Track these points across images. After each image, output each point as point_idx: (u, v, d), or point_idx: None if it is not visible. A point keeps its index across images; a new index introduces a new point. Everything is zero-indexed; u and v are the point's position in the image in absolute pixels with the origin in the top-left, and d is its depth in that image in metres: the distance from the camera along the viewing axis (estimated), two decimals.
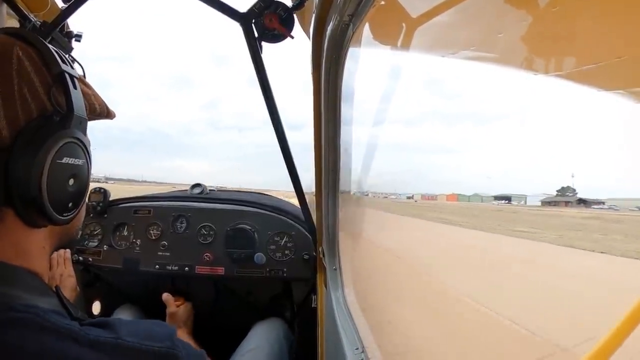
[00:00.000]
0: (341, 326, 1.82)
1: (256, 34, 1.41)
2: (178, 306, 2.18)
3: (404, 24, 1.18)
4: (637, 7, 0.95)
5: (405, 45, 1.31)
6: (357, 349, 1.65)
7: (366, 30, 1.24)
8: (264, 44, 1.46)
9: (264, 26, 1.38)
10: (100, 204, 2.57)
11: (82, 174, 0.86)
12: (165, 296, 2.17)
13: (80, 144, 0.84)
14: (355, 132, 1.84)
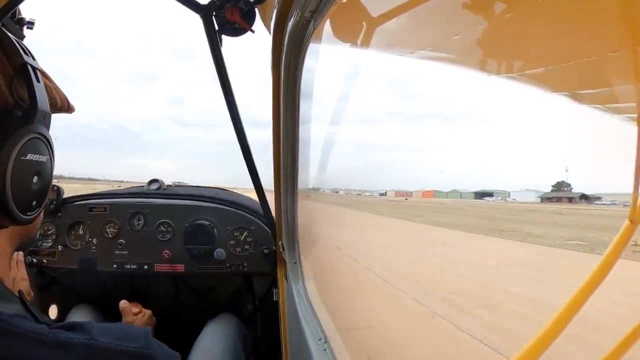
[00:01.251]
0: (303, 318, 1.84)
1: (216, 27, 1.38)
2: (136, 314, 2.08)
3: (364, 23, 1.20)
4: (583, 16, 1.01)
5: (365, 44, 1.33)
6: (320, 339, 1.67)
7: (327, 27, 1.25)
8: (224, 37, 1.43)
9: (224, 19, 1.35)
10: (54, 202, 2.45)
11: (45, 172, 0.82)
12: (123, 305, 2.04)
13: (44, 139, 0.80)
14: (319, 129, 1.86)
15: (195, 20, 1.38)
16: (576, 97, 2.18)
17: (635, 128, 2.04)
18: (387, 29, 1.22)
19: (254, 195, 2.49)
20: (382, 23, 1.18)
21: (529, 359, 2.04)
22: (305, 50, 1.38)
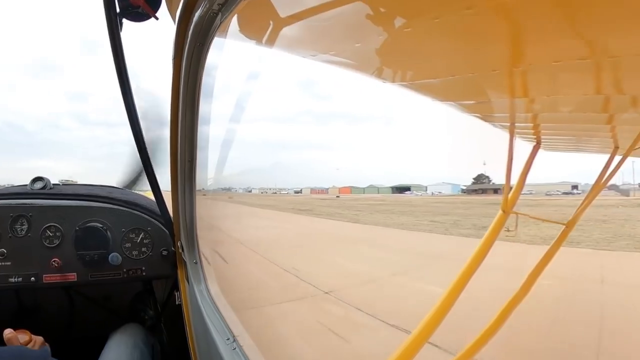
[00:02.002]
0: (209, 319, 1.81)
1: (118, 9, 1.27)
2: (26, 343, 1.76)
3: (271, 22, 1.21)
4: (470, 37, 1.13)
5: (270, 43, 1.35)
6: (228, 339, 1.66)
7: (234, 22, 1.23)
8: (125, 22, 1.32)
9: (127, 1, 1.25)
10: None
11: None
12: (8, 335, 1.70)
13: None
14: (232, 129, 1.83)
15: (99, 5, 1.25)
16: (461, 106, 2.45)
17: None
18: (293, 30, 1.25)
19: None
20: (289, 24, 1.21)
21: (424, 334, 2.28)
22: (210, 43, 1.35)
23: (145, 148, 1.91)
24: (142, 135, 1.84)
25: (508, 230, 3.10)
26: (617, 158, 3.32)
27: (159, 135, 1.98)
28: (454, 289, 2.50)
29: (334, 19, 1.10)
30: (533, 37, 1.24)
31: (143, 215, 2.35)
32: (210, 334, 1.70)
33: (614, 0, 0.91)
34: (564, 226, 3.44)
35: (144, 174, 2.05)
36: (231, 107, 1.91)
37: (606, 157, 3.37)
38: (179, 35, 1.36)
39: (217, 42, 1.34)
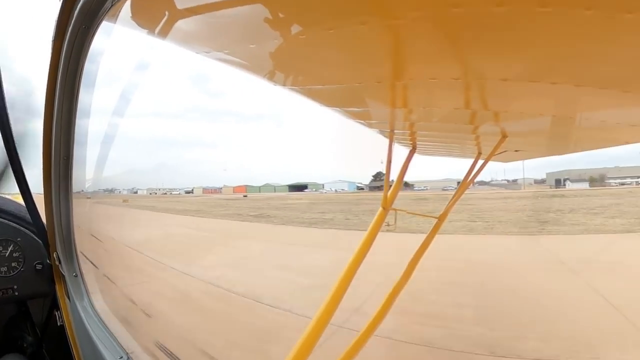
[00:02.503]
0: (97, 338, 1.65)
1: None
2: None
3: (167, 12, 1.17)
4: (359, 50, 1.23)
5: (163, 34, 1.29)
6: (121, 357, 1.54)
7: (126, 8, 1.17)
8: None
9: None
10: None
11: None
12: None
13: None
14: (105, 122, 1.69)
15: None
16: (346, 113, 2.62)
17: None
18: (188, 24, 1.23)
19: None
20: (185, 17, 1.19)
21: (317, 330, 2.37)
22: (97, 27, 1.25)
23: (13, 142, 1.66)
24: (9, 126, 1.61)
25: (388, 225, 3.40)
26: (480, 162, 3.88)
27: (30, 127, 1.76)
28: (341, 284, 2.66)
29: (232, 18, 1.11)
30: (416, 56, 1.41)
31: (10, 223, 2.01)
32: (100, 355, 1.56)
33: (483, 33, 1.10)
34: (437, 219, 3.91)
35: (11, 173, 1.77)
36: (115, 100, 1.77)
37: (471, 161, 3.90)
38: (62, 15, 1.23)
39: (105, 26, 1.25)
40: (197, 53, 1.33)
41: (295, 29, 1.08)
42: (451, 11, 0.99)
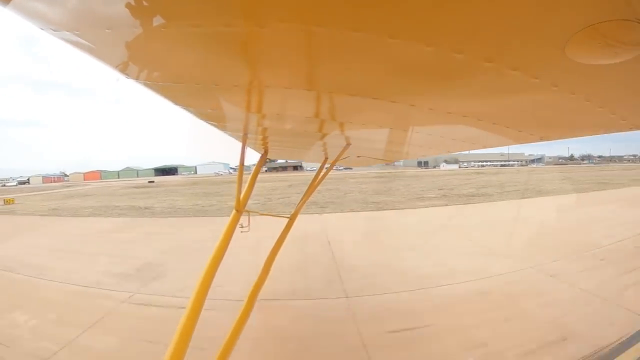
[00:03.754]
0: None
1: None
2: None
3: None
4: (221, 50, 1.23)
5: (5, 1, 1.08)
6: None
7: None
8: None
9: None
10: None
11: None
12: None
13: None
14: None
15: None
16: (199, 113, 2.55)
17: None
18: None
19: None
20: None
21: (185, 336, 2.25)
22: None
23: None
24: None
25: (242, 227, 3.42)
26: (327, 166, 4.19)
27: None
28: (201, 287, 2.62)
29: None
30: (275, 64, 1.47)
31: None
32: None
33: (339, 52, 1.22)
34: (288, 219, 4.13)
35: None
36: None
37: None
38: None
39: None
40: (41, 29, 1.15)
41: (157, 20, 1.02)
42: (313, 28, 1.07)
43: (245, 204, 3.45)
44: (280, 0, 0.95)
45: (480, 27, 0.98)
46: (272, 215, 4.59)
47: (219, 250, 2.86)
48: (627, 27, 0.93)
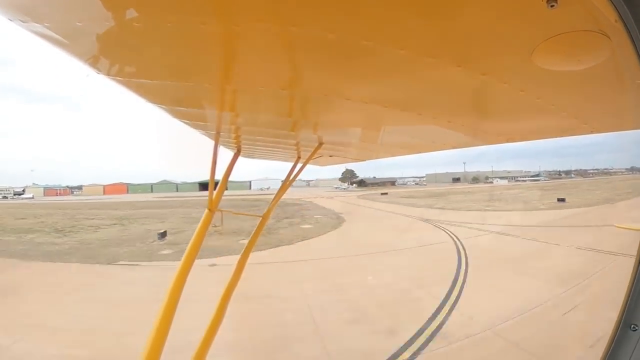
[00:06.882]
0: None
1: None
2: None
3: None
4: (196, 47, 1.22)
5: None
6: None
7: None
8: None
9: None
10: None
11: None
12: None
13: None
14: None
15: None
16: (172, 111, 2.52)
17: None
18: None
19: None
20: None
21: (161, 334, 2.22)
22: None
23: None
24: None
25: (215, 226, 3.39)
26: (299, 165, 4.23)
27: None
28: (176, 285, 2.60)
29: None
30: (249, 63, 1.48)
31: None
32: None
33: (313, 52, 1.24)
34: (261, 217, 4.08)
35: None
36: None
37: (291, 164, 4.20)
38: None
39: None
40: (10, 20, 1.10)
41: (131, 13, 1.00)
42: (289, 29, 1.09)
43: (217, 204, 3.41)
44: (255, 1, 0.96)
45: (452, 34, 1.03)
46: (246, 215, 4.55)
47: (192, 249, 2.85)
48: (590, 37, 1.00)
